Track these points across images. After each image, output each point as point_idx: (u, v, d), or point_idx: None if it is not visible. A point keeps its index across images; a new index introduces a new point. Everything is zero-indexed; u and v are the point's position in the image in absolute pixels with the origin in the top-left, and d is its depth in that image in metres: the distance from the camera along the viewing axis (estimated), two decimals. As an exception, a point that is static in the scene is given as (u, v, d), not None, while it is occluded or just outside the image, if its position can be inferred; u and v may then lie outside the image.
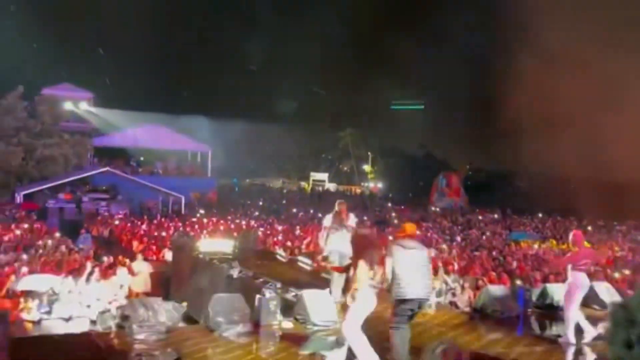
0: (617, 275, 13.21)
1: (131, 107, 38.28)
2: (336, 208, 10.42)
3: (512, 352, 7.84)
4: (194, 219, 24.81)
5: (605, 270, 14.05)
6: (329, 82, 47.36)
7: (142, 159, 37.78)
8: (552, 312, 9.89)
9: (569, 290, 8.41)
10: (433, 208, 37.28)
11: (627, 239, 21.26)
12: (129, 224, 22.47)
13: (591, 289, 11.04)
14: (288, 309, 9.27)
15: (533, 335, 8.72)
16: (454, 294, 12.14)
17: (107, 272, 13.47)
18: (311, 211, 31.20)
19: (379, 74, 47.94)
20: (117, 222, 23.06)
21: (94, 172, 31.40)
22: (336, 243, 10.10)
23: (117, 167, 33.29)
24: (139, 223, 22.72)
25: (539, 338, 8.66)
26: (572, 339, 8.22)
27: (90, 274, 12.44)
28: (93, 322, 10.83)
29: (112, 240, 19.62)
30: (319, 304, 8.85)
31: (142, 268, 14.10)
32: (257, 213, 29.48)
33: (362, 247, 7.33)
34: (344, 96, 48.70)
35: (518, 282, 12.28)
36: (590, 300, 10.95)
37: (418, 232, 22.27)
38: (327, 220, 10.50)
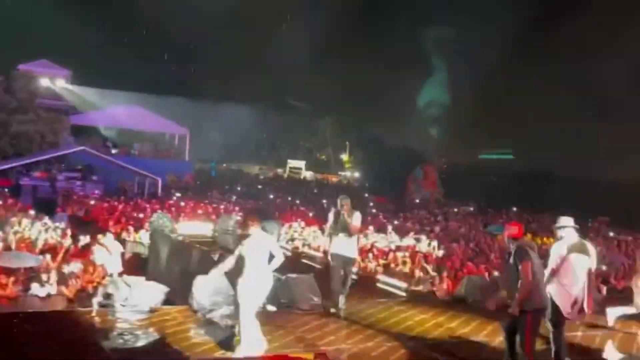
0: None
1: (109, 86, 37.71)
2: (339, 205, 9.09)
3: (497, 339, 7.96)
4: (171, 201, 24.60)
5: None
6: (310, 69, 47.09)
7: (118, 139, 37.25)
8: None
9: None
10: (409, 199, 37.51)
11: (600, 236, 21.60)
12: (105, 204, 22.19)
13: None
14: (271, 293, 9.26)
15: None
16: (432, 284, 12.26)
17: (85, 251, 13.30)
18: (289, 198, 31.19)
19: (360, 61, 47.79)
20: (92, 202, 22.76)
21: (69, 150, 30.83)
22: (338, 247, 8.98)
23: (93, 147, 32.75)
24: (116, 203, 22.46)
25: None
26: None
27: (67, 252, 12.28)
28: (70, 301, 10.69)
29: (88, 220, 19.35)
30: (303, 288, 8.84)
31: (114, 248, 13.80)
32: (234, 198, 29.35)
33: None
34: (324, 85, 48.41)
35: (496, 273, 12.40)
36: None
37: (396, 222, 22.50)
38: (330, 218, 9.17)
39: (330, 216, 9.19)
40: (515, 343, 6.35)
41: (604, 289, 11.95)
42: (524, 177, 36.38)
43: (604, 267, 13.79)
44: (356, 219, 9.03)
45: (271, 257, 7.02)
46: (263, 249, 6.96)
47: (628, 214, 25.47)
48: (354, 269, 9.78)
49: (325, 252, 9.42)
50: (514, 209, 30.77)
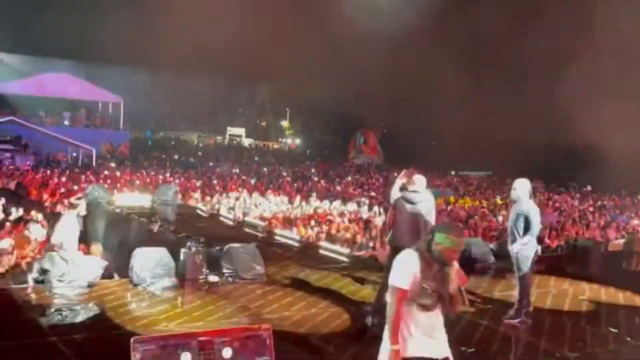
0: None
1: (38, 53, 36.05)
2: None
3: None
4: (107, 172, 23.97)
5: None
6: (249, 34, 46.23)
7: (49, 108, 35.82)
8: (470, 264, 10.28)
9: None
10: (350, 164, 37.80)
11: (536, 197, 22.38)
12: (38, 176, 21.42)
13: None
14: (213, 263, 9.19)
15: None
16: (374, 248, 12.42)
17: (18, 225, 12.81)
18: (229, 166, 30.92)
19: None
20: (24, 174, 21.95)
21: (-4, 121, 29.60)
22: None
23: (21, 117, 31.48)
24: (49, 175, 21.72)
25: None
26: None
27: (1, 227, 11.82)
28: (2, 275, 10.31)
29: (20, 193, 18.63)
30: (246, 258, 8.80)
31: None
32: (173, 167, 28.85)
33: None
34: (263, 49, 47.70)
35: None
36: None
37: (338, 188, 22.63)
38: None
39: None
40: None
41: (539, 248, 12.37)
42: (463, 140, 36.98)
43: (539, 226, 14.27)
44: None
45: None
46: None
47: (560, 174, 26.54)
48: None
49: None
50: (452, 172, 31.50)
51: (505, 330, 7.18)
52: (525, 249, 7.35)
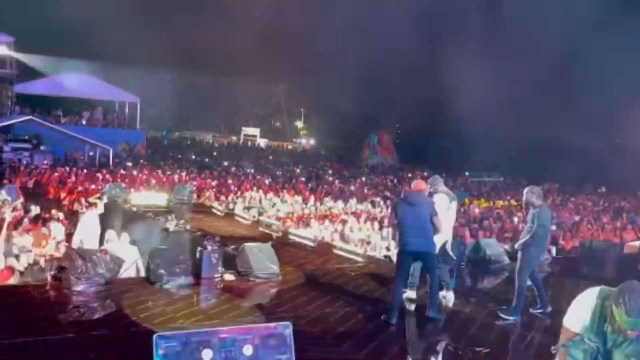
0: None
1: (56, 54, 36.40)
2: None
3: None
4: (124, 172, 24.18)
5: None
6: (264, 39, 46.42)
7: (67, 108, 36.20)
8: (484, 265, 10.29)
9: None
10: (364, 165, 37.80)
11: (550, 199, 22.25)
12: (55, 175, 21.67)
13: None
14: (229, 261, 9.27)
15: (467, 286, 9.08)
16: (387, 248, 12.45)
17: (36, 223, 12.97)
18: (244, 166, 31.08)
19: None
20: (42, 173, 22.21)
21: (15, 120, 29.92)
22: None
23: (40, 116, 31.84)
24: (67, 174, 21.96)
25: (472, 289, 9.03)
26: None
27: (19, 224, 11.95)
28: (21, 274, 10.45)
29: (38, 192, 18.90)
30: (261, 257, 8.86)
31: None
32: (189, 166, 29.04)
33: None
34: (276, 50, 47.80)
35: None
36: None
37: (352, 188, 22.67)
38: None
39: None
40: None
41: (554, 250, 12.35)
42: (477, 142, 36.85)
43: (553, 227, 14.22)
44: None
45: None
46: None
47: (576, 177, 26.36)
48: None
49: None
50: (466, 173, 31.40)
51: (519, 331, 7.18)
52: (527, 249, 7.35)
